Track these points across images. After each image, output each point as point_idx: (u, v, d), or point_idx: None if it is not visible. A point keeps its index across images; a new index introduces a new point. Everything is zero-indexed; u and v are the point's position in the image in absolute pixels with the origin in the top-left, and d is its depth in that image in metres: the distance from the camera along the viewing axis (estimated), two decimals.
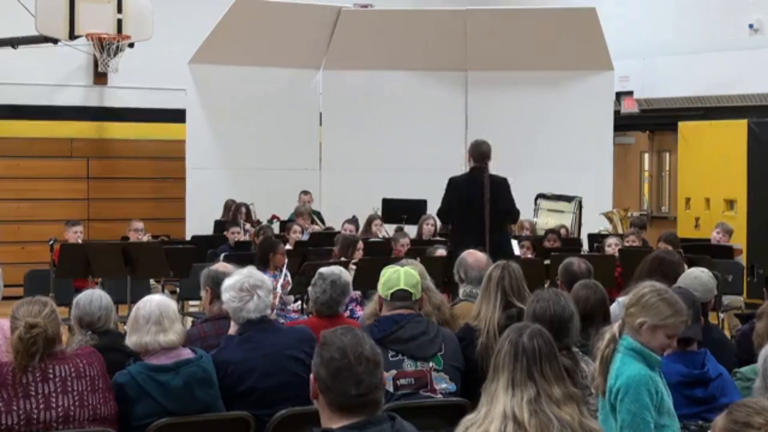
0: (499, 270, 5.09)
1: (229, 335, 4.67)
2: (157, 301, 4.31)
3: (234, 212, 12.05)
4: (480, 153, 8.35)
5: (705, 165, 13.63)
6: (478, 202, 8.05)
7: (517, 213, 8.70)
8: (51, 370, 4.00)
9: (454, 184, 8.53)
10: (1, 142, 13.77)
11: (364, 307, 6.62)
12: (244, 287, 4.57)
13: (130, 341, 4.26)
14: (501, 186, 8.35)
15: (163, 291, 9.38)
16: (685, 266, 5.93)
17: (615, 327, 3.95)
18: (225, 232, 11.08)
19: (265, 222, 11.93)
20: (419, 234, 11.31)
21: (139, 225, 10.70)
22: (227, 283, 4.65)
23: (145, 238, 10.65)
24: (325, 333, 2.93)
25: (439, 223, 11.66)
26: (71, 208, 13.63)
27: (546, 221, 12.53)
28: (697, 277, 5.42)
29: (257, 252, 8.94)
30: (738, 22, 13.31)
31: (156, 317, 4.22)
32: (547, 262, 8.94)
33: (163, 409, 4.15)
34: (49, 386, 3.98)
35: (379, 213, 11.93)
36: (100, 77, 14.05)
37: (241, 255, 9.09)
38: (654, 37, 14.11)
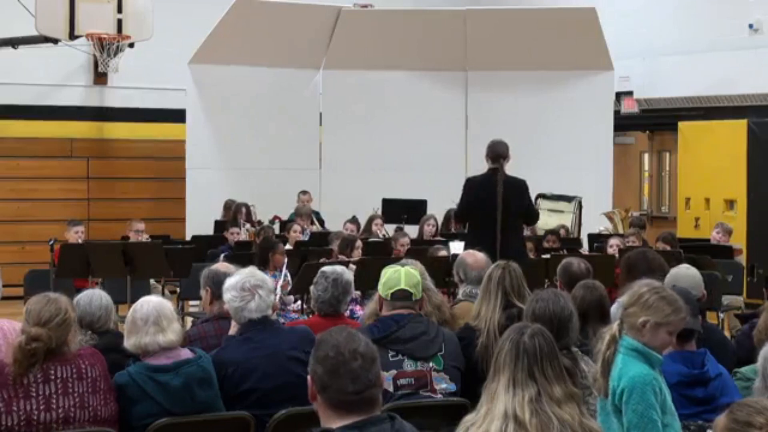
0: (499, 270, 5.10)
1: (229, 335, 4.67)
2: (154, 302, 4.30)
3: (234, 212, 12.04)
4: (495, 153, 8.06)
5: (705, 165, 13.63)
6: (491, 204, 7.88)
7: (535, 215, 8.46)
8: (52, 371, 3.98)
9: (470, 184, 8.29)
10: (1, 142, 13.77)
11: (364, 307, 6.62)
12: (246, 287, 4.56)
13: (129, 343, 4.24)
14: (517, 187, 8.06)
15: (163, 291, 9.37)
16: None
17: (614, 327, 3.94)
18: (224, 233, 11.08)
19: (266, 222, 11.93)
20: (420, 234, 11.31)
21: (141, 226, 10.67)
22: (229, 282, 4.64)
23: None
24: (319, 334, 2.95)
25: (440, 223, 11.71)
26: (71, 208, 13.62)
27: (546, 221, 12.51)
28: (689, 275, 5.44)
29: (257, 252, 8.94)
30: (738, 22, 13.30)
31: (154, 318, 4.21)
32: (546, 256, 8.94)
33: (162, 409, 4.14)
34: (50, 387, 3.97)
35: (380, 213, 11.93)
36: (100, 77, 14.05)
37: (241, 255, 9.09)
38: (654, 37, 14.10)
